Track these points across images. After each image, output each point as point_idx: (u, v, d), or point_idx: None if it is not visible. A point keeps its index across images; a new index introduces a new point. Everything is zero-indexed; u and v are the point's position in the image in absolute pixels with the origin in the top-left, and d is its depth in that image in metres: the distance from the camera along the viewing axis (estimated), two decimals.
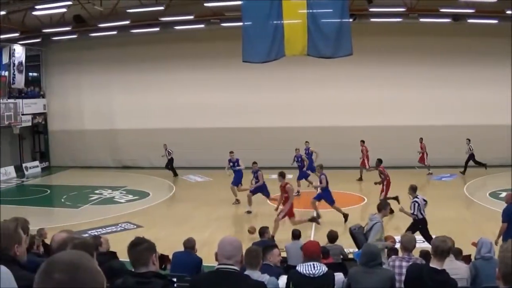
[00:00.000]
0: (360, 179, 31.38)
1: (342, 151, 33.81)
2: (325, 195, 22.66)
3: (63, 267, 2.51)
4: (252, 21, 20.91)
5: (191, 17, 32.69)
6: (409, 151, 32.82)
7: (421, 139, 32.68)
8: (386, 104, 35.39)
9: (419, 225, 17.48)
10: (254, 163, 24.67)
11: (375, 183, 25.02)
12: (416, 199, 17.69)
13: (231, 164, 26.64)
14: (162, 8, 30.62)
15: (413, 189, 18.17)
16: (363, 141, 31.56)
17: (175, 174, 35.05)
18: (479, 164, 32.23)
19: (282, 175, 20.65)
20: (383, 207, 14.11)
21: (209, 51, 36.18)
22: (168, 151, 34.89)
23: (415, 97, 35.38)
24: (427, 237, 16.88)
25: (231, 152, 27.31)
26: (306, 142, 30.30)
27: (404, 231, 15.32)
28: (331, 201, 22.59)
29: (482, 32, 33.65)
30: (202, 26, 34.68)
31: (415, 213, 17.43)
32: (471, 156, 32.09)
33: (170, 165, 35.24)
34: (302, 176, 28.52)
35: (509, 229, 15.42)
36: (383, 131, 34.82)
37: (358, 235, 14.02)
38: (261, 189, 24.48)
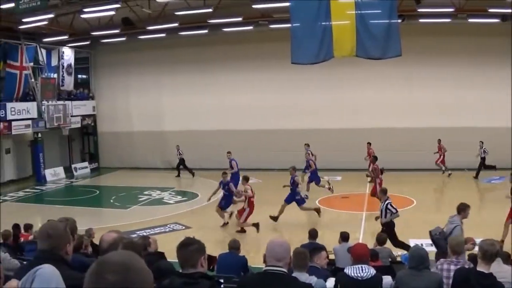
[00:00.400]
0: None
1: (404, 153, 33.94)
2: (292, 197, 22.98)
3: (115, 267, 2.51)
4: (301, 22, 20.87)
5: (240, 19, 32.62)
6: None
7: (439, 140, 32.32)
8: (438, 106, 34.94)
9: (385, 228, 17.38)
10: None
11: (367, 175, 25.11)
12: (388, 201, 17.69)
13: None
14: (210, 10, 30.59)
15: (383, 192, 18.18)
16: (369, 143, 31.59)
17: (191, 173, 35.81)
18: (489, 167, 31.81)
19: (245, 179, 21.79)
20: (463, 209, 13.84)
21: (257, 53, 36.30)
22: (179, 151, 35.80)
23: (477, 98, 34.91)
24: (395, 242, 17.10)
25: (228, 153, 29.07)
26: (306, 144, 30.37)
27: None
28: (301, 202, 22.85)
29: None
30: (250, 28, 34.61)
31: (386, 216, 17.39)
32: (483, 160, 31.62)
33: (181, 165, 36.01)
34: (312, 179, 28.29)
35: None
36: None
37: (439, 241, 13.70)
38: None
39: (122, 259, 2.59)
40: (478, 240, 9.85)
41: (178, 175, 36.13)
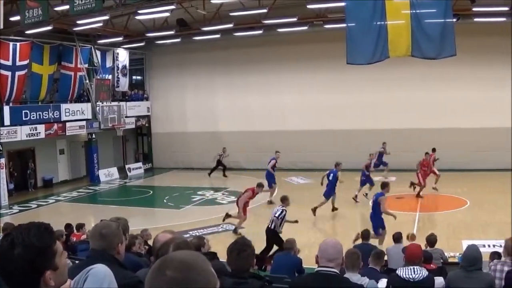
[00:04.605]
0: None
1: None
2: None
3: (176, 265, 2.52)
4: (356, 22, 20.81)
5: (294, 19, 32.44)
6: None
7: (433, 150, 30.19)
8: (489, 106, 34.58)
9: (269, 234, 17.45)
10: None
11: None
12: (284, 208, 17.64)
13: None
14: (265, 10, 30.59)
15: (281, 200, 18.26)
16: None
17: (225, 172, 36.72)
18: None
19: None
20: None
21: (312, 53, 36.17)
22: (223, 153, 36.39)
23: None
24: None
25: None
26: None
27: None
28: None
29: None
30: (305, 28, 34.47)
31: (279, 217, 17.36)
32: None
33: (220, 165, 36.59)
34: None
35: None
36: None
37: None
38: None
39: (185, 257, 2.60)
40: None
41: (224, 175, 36.58)
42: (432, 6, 20.35)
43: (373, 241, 16.40)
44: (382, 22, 20.13)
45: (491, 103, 33.63)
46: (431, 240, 14.10)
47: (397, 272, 8.13)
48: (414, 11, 20.07)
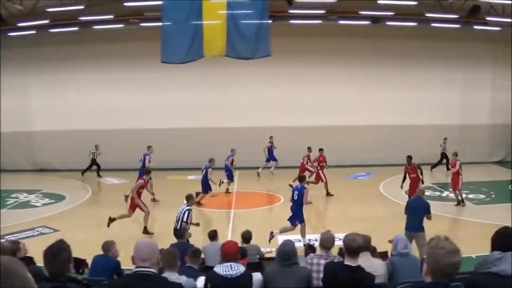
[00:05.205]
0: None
1: None
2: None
3: None
4: (172, 21, 20.79)
5: (111, 16, 32.18)
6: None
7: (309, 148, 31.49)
8: (312, 104, 36.14)
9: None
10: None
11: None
12: (189, 207, 17.47)
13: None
14: (82, 7, 30.10)
15: (186, 198, 18.00)
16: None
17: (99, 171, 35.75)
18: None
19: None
20: None
21: (128, 51, 35.98)
22: (92, 151, 35.31)
23: (341, 97, 36.55)
24: None
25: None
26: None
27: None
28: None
29: (402, 34, 34.70)
30: (121, 25, 34.09)
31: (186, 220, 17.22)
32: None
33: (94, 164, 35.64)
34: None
35: (411, 219, 16.06)
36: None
37: None
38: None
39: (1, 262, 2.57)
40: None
41: (98, 175, 35.72)
42: (248, 7, 20.67)
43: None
44: (198, 22, 20.26)
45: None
46: (246, 237, 14.36)
47: (214, 269, 8.23)
48: (230, 12, 20.31)
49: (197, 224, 18.47)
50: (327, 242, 9.81)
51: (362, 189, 28.70)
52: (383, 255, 12.40)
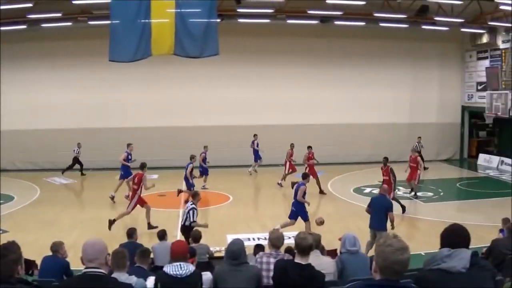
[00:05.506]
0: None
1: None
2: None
3: None
4: (120, 19, 20.61)
5: (59, 14, 31.81)
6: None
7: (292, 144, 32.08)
8: (256, 103, 36.51)
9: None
10: None
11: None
12: (193, 206, 17.43)
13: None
14: (30, 5, 29.69)
15: (192, 196, 18.16)
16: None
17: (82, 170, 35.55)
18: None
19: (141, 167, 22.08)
20: None
21: (75, 50, 35.62)
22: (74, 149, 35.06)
23: (288, 96, 36.98)
24: None
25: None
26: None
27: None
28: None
29: (351, 34, 35.15)
30: (69, 24, 33.72)
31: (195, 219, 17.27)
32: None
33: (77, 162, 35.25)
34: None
35: (373, 217, 16.27)
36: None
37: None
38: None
39: None
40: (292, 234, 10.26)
41: (82, 173, 35.35)
42: (196, 6, 20.63)
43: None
44: (147, 20, 20.16)
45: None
46: (195, 236, 14.34)
47: (164, 269, 8.21)
48: (179, 10, 20.23)
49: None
50: (276, 240, 9.84)
51: (310, 188, 28.87)
52: (332, 253, 12.50)
